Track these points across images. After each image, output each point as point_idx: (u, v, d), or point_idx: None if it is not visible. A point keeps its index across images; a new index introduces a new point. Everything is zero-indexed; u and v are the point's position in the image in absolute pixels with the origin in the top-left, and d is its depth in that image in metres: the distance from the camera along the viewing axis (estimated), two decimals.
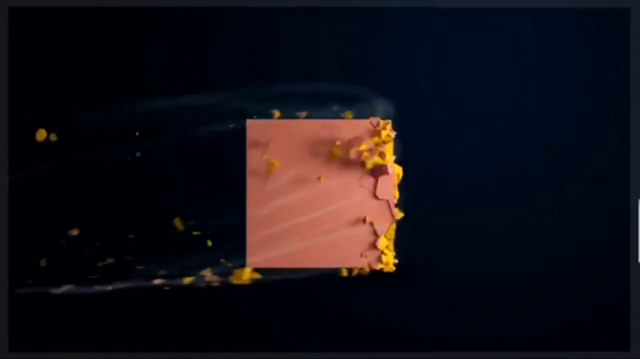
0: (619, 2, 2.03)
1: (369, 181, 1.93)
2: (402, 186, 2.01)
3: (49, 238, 1.99)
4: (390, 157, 1.90)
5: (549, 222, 2.00)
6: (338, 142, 1.93)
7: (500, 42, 2.04)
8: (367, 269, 1.93)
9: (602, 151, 2.02)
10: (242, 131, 1.95)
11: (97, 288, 1.92)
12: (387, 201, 1.91)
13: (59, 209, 1.99)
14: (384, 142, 1.90)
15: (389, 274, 1.99)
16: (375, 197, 1.92)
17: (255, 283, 1.93)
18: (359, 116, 1.98)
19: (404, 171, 2.00)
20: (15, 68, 2.00)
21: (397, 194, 1.93)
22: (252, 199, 1.93)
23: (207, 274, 1.92)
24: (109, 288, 1.92)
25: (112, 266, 1.95)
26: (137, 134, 1.97)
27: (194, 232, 1.95)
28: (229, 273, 1.94)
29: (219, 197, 1.97)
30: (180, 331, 1.97)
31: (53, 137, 1.94)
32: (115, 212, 1.96)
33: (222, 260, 1.95)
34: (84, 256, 1.96)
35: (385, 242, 1.93)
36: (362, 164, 1.91)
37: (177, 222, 1.94)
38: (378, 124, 1.90)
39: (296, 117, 1.97)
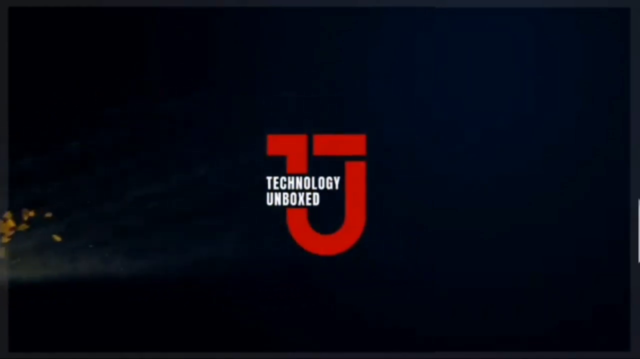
0: (619, 2, 2.02)
1: None
2: (402, 186, 2.02)
3: None
4: None
5: (549, 222, 1.99)
6: None
7: (500, 42, 2.03)
8: None
9: (602, 151, 2.01)
10: None
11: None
12: None
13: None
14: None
15: (388, 273, 2.01)
16: None
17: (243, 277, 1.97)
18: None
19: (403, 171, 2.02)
20: (16, 68, 2.00)
21: None
22: None
23: None
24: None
25: None
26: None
27: None
28: None
29: None
30: (182, 330, 1.98)
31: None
32: None
33: None
34: None
35: None
36: None
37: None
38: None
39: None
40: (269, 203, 2.02)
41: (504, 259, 2.00)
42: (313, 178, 2.02)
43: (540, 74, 2.03)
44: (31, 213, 1.98)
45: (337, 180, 2.02)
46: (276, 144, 2.02)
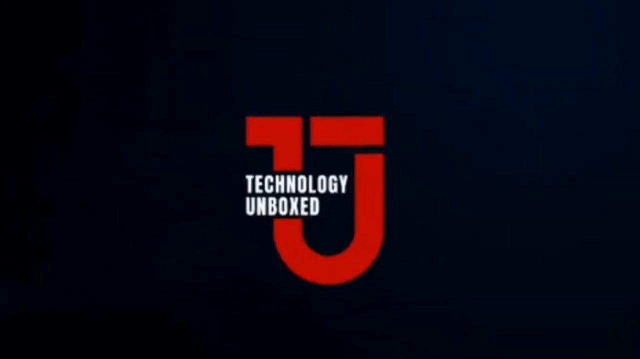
0: None
1: None
2: (432, 188, 1.85)
3: None
4: None
5: (635, 238, 1.83)
6: None
7: None
8: None
9: None
10: None
11: None
12: None
13: None
14: None
15: (413, 308, 1.83)
16: None
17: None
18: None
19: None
20: None
21: None
22: None
23: None
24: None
25: None
26: None
27: None
28: None
29: None
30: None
31: None
32: None
33: None
34: None
35: None
36: None
37: None
38: None
39: None
40: (249, 212, 1.86)
41: (570, 290, 1.82)
42: (310, 177, 1.86)
43: (624, 35, 1.85)
44: None
45: (343, 180, 1.86)
46: (259, 130, 1.86)
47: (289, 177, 1.85)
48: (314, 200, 1.85)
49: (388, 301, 1.85)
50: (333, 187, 1.85)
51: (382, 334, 1.84)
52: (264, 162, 1.85)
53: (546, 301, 1.83)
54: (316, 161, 1.84)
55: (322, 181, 1.85)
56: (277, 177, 1.85)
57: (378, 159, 1.84)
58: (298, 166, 1.85)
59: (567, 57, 1.87)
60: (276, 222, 1.84)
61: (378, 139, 1.84)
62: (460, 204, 1.84)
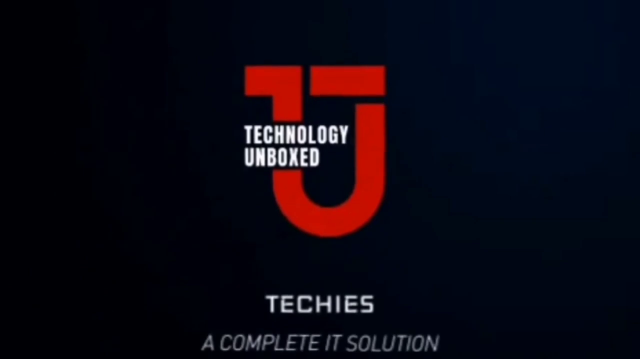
0: None
1: None
2: (434, 138, 1.84)
3: None
4: None
5: (636, 236, 1.83)
6: None
7: None
8: None
9: None
10: None
11: None
12: None
13: None
14: None
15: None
16: None
17: None
18: None
19: None
20: None
21: None
22: None
23: None
24: None
25: None
26: None
27: None
28: None
29: None
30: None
31: None
32: None
33: None
34: None
35: None
36: None
37: None
38: None
39: None
40: (248, 163, 1.85)
41: (570, 290, 1.82)
42: (310, 128, 1.85)
43: (624, 35, 1.84)
44: None
45: (344, 130, 1.85)
46: (258, 79, 1.85)
47: (288, 127, 1.85)
48: (314, 151, 1.85)
49: (388, 253, 1.84)
50: (333, 138, 1.85)
51: (382, 286, 1.82)
52: (263, 112, 1.84)
53: (545, 301, 1.82)
54: (316, 111, 1.83)
55: (322, 131, 1.84)
56: (276, 127, 1.84)
57: (379, 109, 1.84)
58: (298, 116, 1.84)
59: (567, 57, 1.85)
60: (275, 173, 1.84)
61: (379, 88, 1.84)
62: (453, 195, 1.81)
